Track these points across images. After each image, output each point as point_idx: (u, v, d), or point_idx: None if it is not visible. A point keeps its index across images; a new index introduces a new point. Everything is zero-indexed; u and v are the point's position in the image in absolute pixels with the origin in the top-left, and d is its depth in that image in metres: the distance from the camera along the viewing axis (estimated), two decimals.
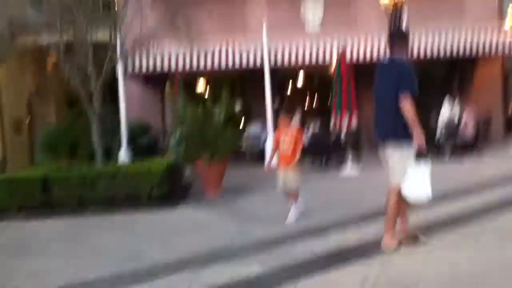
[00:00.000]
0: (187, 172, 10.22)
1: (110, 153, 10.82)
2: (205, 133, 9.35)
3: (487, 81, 15.41)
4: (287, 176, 6.62)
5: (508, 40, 13.10)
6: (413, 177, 4.66)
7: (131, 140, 11.45)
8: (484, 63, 15.18)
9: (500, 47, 13.16)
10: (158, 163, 8.97)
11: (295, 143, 6.64)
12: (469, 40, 13.20)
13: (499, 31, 13.83)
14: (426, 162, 4.68)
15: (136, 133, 12.27)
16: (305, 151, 8.22)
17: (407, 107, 4.65)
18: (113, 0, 12.38)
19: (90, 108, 9.70)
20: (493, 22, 14.54)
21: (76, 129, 11.16)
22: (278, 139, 6.82)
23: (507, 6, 14.84)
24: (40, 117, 16.17)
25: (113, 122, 11.57)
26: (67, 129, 11.21)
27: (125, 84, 12.06)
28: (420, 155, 4.65)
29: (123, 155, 11.02)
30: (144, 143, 12.36)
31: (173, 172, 9.01)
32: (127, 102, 12.25)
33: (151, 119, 14.40)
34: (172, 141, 10.46)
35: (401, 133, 4.74)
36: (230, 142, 9.70)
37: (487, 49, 13.19)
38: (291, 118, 7.87)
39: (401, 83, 4.72)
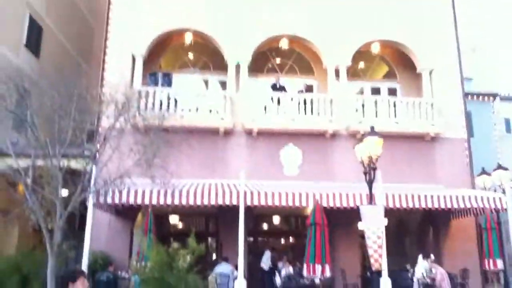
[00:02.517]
0: None
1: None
2: (168, 277, 8.83)
3: (462, 234, 15.54)
4: None
5: (479, 199, 13.33)
6: None
7: (90, 275, 10.74)
8: (458, 218, 15.40)
9: (472, 204, 13.35)
10: None
11: None
12: (442, 195, 13.42)
13: (470, 190, 14.31)
14: None
15: (97, 267, 11.58)
16: None
17: None
18: (95, 133, 12.71)
19: (50, 244, 9.24)
20: (464, 183, 15.23)
21: (30, 262, 10.49)
22: None
23: (477, 172, 15.67)
24: (1, 240, 15.37)
25: (77, 249, 11.00)
26: (19, 263, 10.53)
27: (94, 213, 11.76)
28: None
29: None
30: (103, 279, 11.62)
31: None
32: (95, 231, 11.85)
33: (117, 252, 13.88)
34: (133, 282, 9.83)
35: None
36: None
37: (460, 205, 13.38)
38: None
39: None
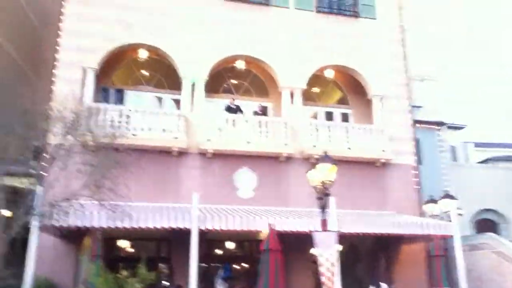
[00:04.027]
0: None
1: None
2: None
3: (412, 261, 15.89)
4: None
5: (429, 226, 13.67)
6: None
7: None
8: (409, 244, 15.73)
9: (423, 231, 13.66)
10: None
11: None
12: (392, 221, 13.64)
13: (419, 217, 14.67)
14: None
15: None
16: None
17: None
18: (42, 151, 12.00)
19: None
20: (413, 210, 15.62)
21: None
22: None
23: (426, 198, 16.14)
24: None
25: (19, 276, 10.24)
26: None
27: (38, 237, 11.07)
28: None
29: None
30: None
31: None
32: (38, 255, 11.20)
33: (62, 278, 13.12)
34: None
35: None
36: None
37: (411, 231, 13.65)
38: None
39: None
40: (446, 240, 14.62)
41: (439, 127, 21.95)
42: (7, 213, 9.63)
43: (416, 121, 18.98)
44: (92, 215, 11.38)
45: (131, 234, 14.32)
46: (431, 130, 21.67)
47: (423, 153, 20.13)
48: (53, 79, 15.09)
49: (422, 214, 16.31)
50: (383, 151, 16.62)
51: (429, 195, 16.62)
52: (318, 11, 18.15)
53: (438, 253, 13.53)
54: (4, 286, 8.73)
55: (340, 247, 11.19)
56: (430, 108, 22.07)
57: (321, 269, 10.64)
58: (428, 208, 16.47)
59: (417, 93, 21.14)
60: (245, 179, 15.48)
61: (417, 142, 18.10)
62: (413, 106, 18.98)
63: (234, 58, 17.18)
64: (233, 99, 16.96)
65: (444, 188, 18.16)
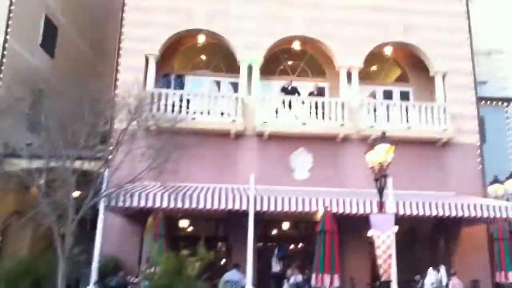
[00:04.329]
0: None
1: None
2: (177, 284, 8.91)
3: (473, 244, 15.39)
4: None
5: (491, 208, 13.21)
6: None
7: (100, 279, 10.89)
8: (470, 226, 15.27)
9: (483, 213, 13.24)
10: None
11: None
12: (453, 203, 13.31)
13: (482, 198, 14.15)
14: None
15: (107, 271, 11.73)
16: None
17: None
18: (108, 136, 12.83)
19: (61, 248, 9.39)
20: (476, 191, 15.06)
21: (42, 265, 10.66)
22: None
23: (490, 179, 15.49)
24: (14, 240, 15.61)
25: (88, 253, 11.17)
26: (31, 266, 10.71)
27: (105, 217, 11.91)
28: None
29: None
30: (112, 284, 11.77)
31: None
32: (105, 234, 12.03)
33: (127, 256, 14.01)
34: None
35: None
36: None
37: (471, 213, 13.27)
38: None
39: None
40: (511, 224, 14.05)
41: (506, 104, 20.78)
42: (77, 194, 10.45)
43: (481, 98, 18.17)
44: (155, 196, 12.04)
45: (191, 214, 15.02)
46: (497, 107, 20.57)
47: (488, 131, 19.20)
48: (117, 67, 15.90)
49: (486, 195, 15.72)
50: (445, 130, 16.09)
51: (494, 175, 15.97)
52: None
53: (502, 236, 13.03)
54: (75, 262, 9.58)
55: (396, 229, 11.14)
56: (496, 83, 20.94)
57: (378, 252, 10.65)
58: (493, 189, 15.85)
59: (483, 68, 20.11)
60: (301, 160, 15.62)
61: (481, 120, 17.33)
62: (479, 82, 18.13)
63: (290, 39, 17.17)
64: (291, 81, 17.02)
65: (511, 168, 17.31)
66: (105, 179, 11.11)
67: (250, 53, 16.36)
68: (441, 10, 17.62)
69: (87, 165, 11.28)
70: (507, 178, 15.07)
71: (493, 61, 22.01)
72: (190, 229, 16.41)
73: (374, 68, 18.47)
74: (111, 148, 11.95)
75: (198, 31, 16.87)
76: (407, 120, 16.10)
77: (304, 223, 16.47)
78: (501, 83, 21.48)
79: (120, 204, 11.83)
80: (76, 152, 10.64)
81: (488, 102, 20.10)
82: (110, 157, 11.49)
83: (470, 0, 18.21)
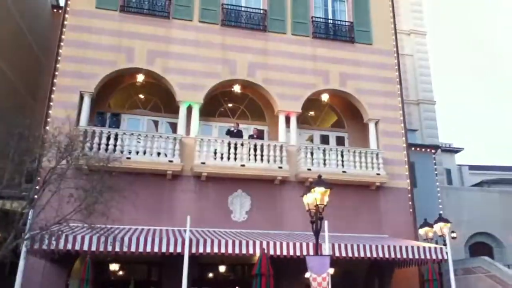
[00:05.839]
0: None
1: None
2: None
3: (407, 285, 15.84)
4: None
5: (421, 250, 13.61)
6: None
7: None
8: (402, 268, 15.62)
9: (415, 255, 13.59)
10: None
11: None
12: (386, 245, 13.58)
13: (413, 241, 14.58)
14: None
15: None
16: None
17: None
18: (35, 174, 12.09)
19: None
20: (408, 233, 15.53)
21: None
22: None
23: (420, 221, 16.08)
24: None
25: None
26: None
27: (27, 260, 11.06)
28: None
29: None
30: None
31: None
32: (27, 280, 11.20)
33: None
34: None
35: None
36: None
37: (404, 255, 13.58)
38: None
39: None
40: (441, 263, 14.51)
41: (434, 151, 22.00)
42: None
43: (412, 145, 19.07)
44: (83, 238, 11.39)
45: (121, 258, 14.30)
46: (426, 154, 21.74)
47: (418, 176, 20.14)
48: (49, 104, 15.27)
49: (417, 237, 16.24)
50: (378, 174, 16.66)
51: (424, 218, 16.56)
52: (315, 37, 18.40)
53: (432, 277, 13.41)
54: None
55: (332, 271, 11.14)
56: (426, 131, 22.17)
57: None
58: (423, 231, 16.39)
59: (414, 117, 21.26)
60: (240, 202, 15.52)
61: (412, 165, 18.12)
62: (410, 130, 19.08)
63: (231, 82, 17.38)
64: (237, 124, 17.05)
65: (439, 211, 18.10)
66: (29, 220, 10.36)
67: (190, 94, 16.34)
68: (375, 62, 18.62)
69: (9, 205, 10.54)
70: (436, 222, 15.65)
71: (423, 111, 23.35)
72: (120, 273, 15.59)
73: (312, 113, 19.01)
74: (37, 187, 11.25)
75: (137, 70, 16.67)
76: (343, 164, 16.54)
77: (241, 266, 16.17)
78: (430, 131, 22.76)
79: (44, 246, 11.03)
80: None
81: (418, 148, 21.14)
82: (35, 196, 10.79)
83: (401, 55, 19.37)
